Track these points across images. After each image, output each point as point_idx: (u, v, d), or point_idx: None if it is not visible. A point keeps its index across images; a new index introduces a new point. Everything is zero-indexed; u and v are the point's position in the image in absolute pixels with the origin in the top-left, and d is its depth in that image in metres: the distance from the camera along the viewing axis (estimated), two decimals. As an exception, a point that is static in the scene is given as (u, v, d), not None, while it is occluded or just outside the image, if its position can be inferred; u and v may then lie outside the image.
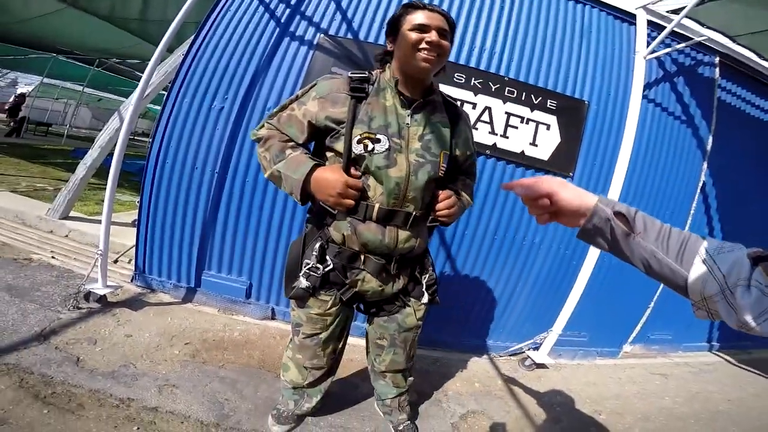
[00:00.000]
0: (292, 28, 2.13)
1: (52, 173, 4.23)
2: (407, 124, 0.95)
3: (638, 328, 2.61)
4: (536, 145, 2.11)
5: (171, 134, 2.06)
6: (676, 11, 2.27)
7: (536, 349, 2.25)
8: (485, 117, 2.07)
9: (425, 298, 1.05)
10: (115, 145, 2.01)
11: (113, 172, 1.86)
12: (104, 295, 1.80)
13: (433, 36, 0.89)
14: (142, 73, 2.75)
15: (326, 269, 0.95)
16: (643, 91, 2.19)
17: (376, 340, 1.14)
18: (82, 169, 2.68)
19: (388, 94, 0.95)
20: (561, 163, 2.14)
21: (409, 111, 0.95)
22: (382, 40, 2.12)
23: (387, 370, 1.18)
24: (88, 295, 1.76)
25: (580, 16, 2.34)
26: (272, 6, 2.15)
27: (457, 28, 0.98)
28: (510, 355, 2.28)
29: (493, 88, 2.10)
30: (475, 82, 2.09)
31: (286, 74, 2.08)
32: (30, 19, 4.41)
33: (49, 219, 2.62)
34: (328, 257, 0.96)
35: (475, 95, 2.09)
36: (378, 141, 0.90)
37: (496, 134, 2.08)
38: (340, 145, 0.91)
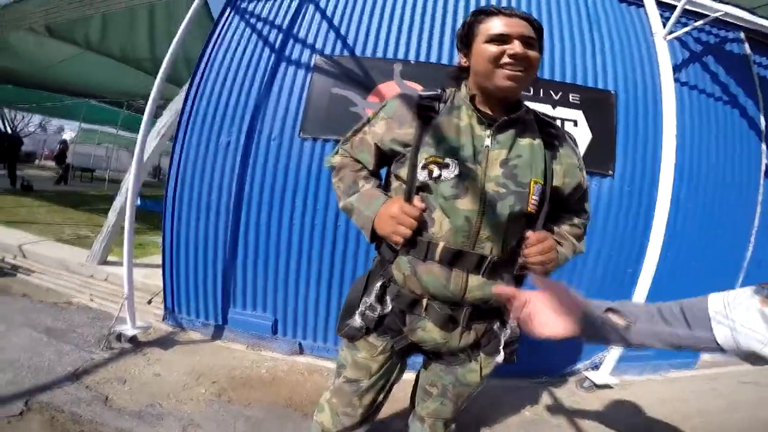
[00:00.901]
0: (287, 53, 2.00)
1: (96, 220, 4.21)
2: (486, 146, 0.74)
3: None
4: (565, 145, 1.83)
5: (184, 175, 1.99)
6: None
7: (595, 368, 1.91)
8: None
9: (500, 357, 0.82)
10: (132, 186, 1.89)
11: (128, 217, 1.82)
12: (135, 335, 1.80)
13: (516, 47, 0.68)
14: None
15: (384, 311, 0.79)
16: (673, 73, 1.90)
17: (426, 385, 0.92)
18: (112, 216, 2.67)
19: (463, 112, 0.76)
20: (597, 161, 1.85)
21: (489, 131, 0.74)
22: (380, 54, 1.95)
23: (428, 416, 0.96)
24: (119, 336, 1.78)
25: (584, 4, 2.13)
26: (265, 33, 2.05)
27: (540, 25, 0.74)
28: (566, 376, 1.94)
29: (507, 88, 1.85)
30: (486, 84, 1.86)
31: (287, 100, 1.94)
32: (53, 66, 4.52)
33: (89, 264, 2.64)
34: (387, 298, 0.79)
35: (488, 98, 1.85)
36: (446, 166, 0.71)
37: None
38: (404, 172, 0.75)
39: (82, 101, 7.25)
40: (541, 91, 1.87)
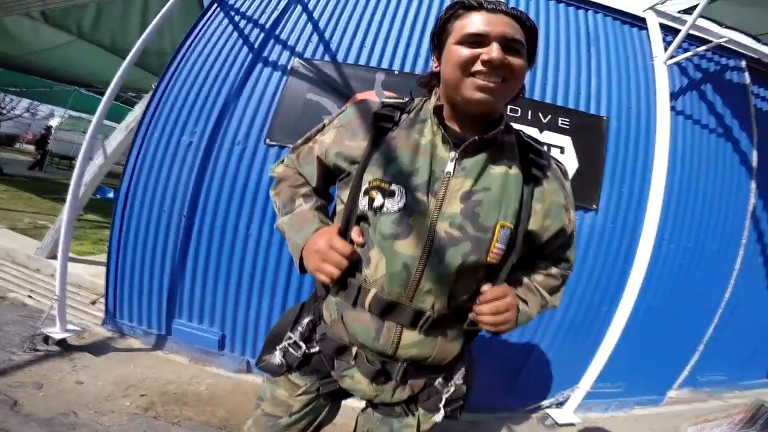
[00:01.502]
0: (265, 54, 1.86)
1: (60, 210, 4.09)
2: (447, 172, 0.58)
3: (686, 371, 2.10)
4: (549, 172, 1.70)
5: (140, 173, 1.83)
6: (687, 11, 1.94)
7: (559, 405, 1.81)
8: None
9: (439, 416, 0.67)
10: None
11: (67, 212, 1.66)
12: (64, 338, 1.65)
13: (492, 51, 0.53)
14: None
15: (310, 351, 0.67)
16: (670, 101, 1.79)
17: (364, 430, 0.77)
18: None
19: (427, 127, 0.61)
20: (581, 193, 1.71)
21: (454, 153, 0.58)
22: (363, 61, 1.80)
23: None
24: (47, 338, 1.63)
25: (584, 23, 2.01)
26: (247, 31, 1.90)
27: (533, 24, 0.58)
28: (528, 413, 1.84)
29: (494, 107, 1.72)
30: (472, 101, 1.72)
31: (257, 104, 1.79)
32: (42, 51, 4.34)
33: (37, 257, 2.45)
34: (316, 336, 0.67)
35: (473, 116, 1.72)
36: (391, 194, 0.56)
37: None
38: (346, 194, 0.61)
39: (70, 89, 6.96)
40: (530, 113, 1.73)
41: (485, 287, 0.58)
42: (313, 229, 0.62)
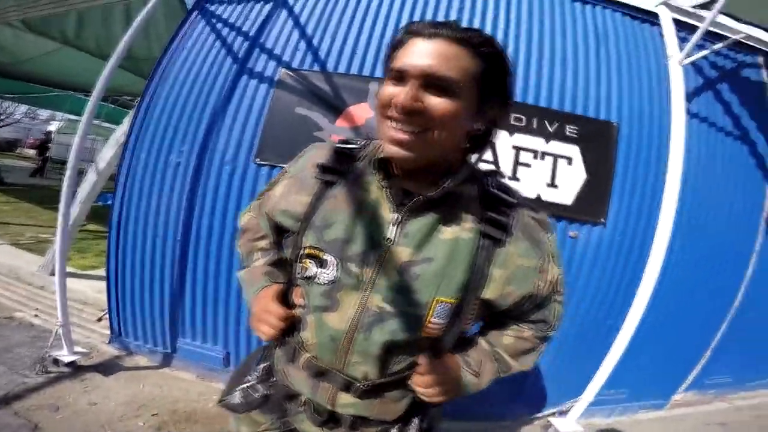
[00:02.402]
0: (250, 65, 1.72)
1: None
2: (387, 239, 0.50)
3: (692, 376, 2.03)
4: (556, 186, 1.57)
5: (130, 196, 1.75)
6: (702, 5, 1.75)
7: (562, 414, 1.76)
8: (487, 155, 1.55)
9: None
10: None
11: (60, 241, 1.62)
12: (74, 360, 1.65)
13: (401, 94, 0.43)
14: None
15: (268, 392, 0.65)
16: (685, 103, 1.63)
17: None
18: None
19: (373, 182, 0.53)
20: (589, 206, 1.59)
21: (397, 215, 0.50)
22: (355, 70, 1.66)
23: None
24: (56, 361, 1.63)
25: (592, 20, 1.83)
26: (230, 40, 1.76)
27: (501, 57, 0.47)
28: (531, 421, 1.81)
29: (496, 116, 1.58)
30: (473, 111, 1.58)
31: (245, 119, 1.66)
32: (31, 59, 4.30)
33: (41, 275, 2.43)
34: (273, 380, 0.66)
35: (474, 128, 1.57)
36: (324, 264, 0.51)
37: (504, 176, 1.54)
38: (287, 256, 0.60)
39: (66, 94, 6.90)
40: (535, 121, 1.59)
41: (421, 359, 0.52)
42: (258, 288, 0.61)
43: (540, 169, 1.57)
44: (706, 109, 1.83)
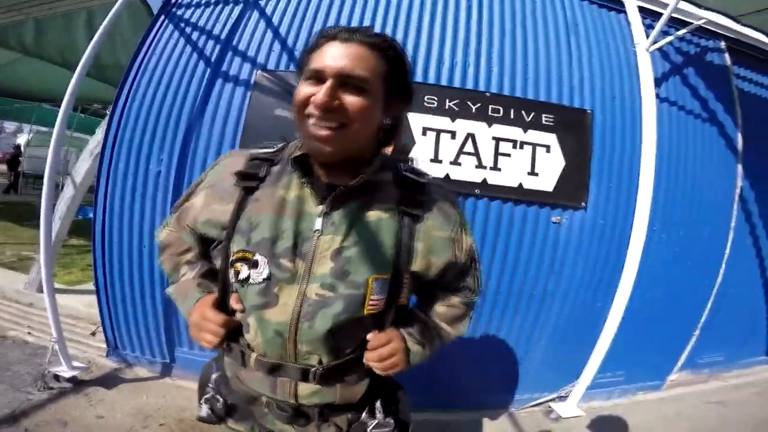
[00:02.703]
0: (224, 68, 1.68)
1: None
2: (315, 231, 0.53)
3: (684, 355, 2.08)
4: (536, 174, 1.58)
5: (112, 207, 1.68)
6: None
7: (562, 399, 1.79)
8: (469, 147, 1.56)
9: None
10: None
11: (44, 260, 1.57)
12: (74, 375, 1.63)
13: (320, 94, 0.47)
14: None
15: (229, 401, 0.65)
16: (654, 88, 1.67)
17: None
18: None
19: (294, 180, 0.56)
20: (569, 191, 1.61)
21: (322, 207, 0.54)
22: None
23: None
24: (57, 376, 1.61)
25: (561, 10, 1.87)
26: (201, 44, 1.71)
27: (403, 60, 0.52)
28: (533, 407, 1.82)
29: (474, 108, 1.59)
30: (450, 104, 1.58)
31: (223, 123, 1.62)
32: None
33: (28, 292, 2.36)
34: (231, 387, 0.66)
35: (453, 120, 1.58)
36: (255, 265, 0.53)
37: (485, 167, 1.55)
38: (218, 264, 0.60)
39: (32, 105, 6.61)
40: (512, 111, 1.60)
41: (370, 335, 0.56)
42: (193, 301, 0.61)
43: (520, 159, 1.58)
44: (675, 93, 1.89)
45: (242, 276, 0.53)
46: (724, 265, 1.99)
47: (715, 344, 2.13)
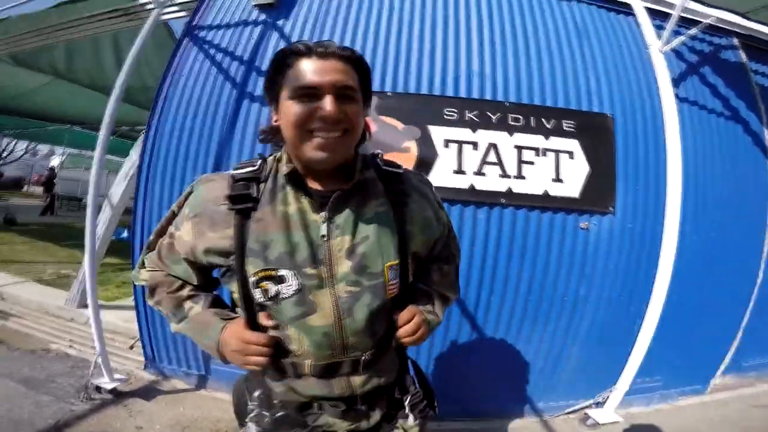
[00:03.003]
0: (250, 88, 1.74)
1: (78, 256, 4.06)
2: (324, 237, 0.56)
3: (728, 358, 2.00)
4: (561, 181, 1.58)
5: (150, 225, 1.74)
6: None
7: (599, 405, 1.73)
8: (491, 157, 1.56)
9: (410, 421, 0.71)
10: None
11: (89, 275, 1.62)
12: (115, 387, 1.69)
13: (327, 106, 0.50)
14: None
15: (277, 414, 0.65)
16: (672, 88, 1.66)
17: None
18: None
19: (289, 194, 0.58)
20: (596, 197, 1.60)
21: (324, 214, 0.56)
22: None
23: None
24: (98, 388, 1.67)
25: (570, 15, 1.88)
26: (225, 65, 1.77)
27: (365, 62, 0.56)
28: (568, 414, 1.76)
29: (494, 118, 1.60)
30: (470, 115, 1.60)
31: (252, 141, 1.68)
32: (25, 94, 4.26)
33: (68, 308, 2.45)
34: (276, 401, 0.66)
35: (474, 131, 1.59)
36: (281, 280, 0.55)
37: (509, 176, 1.56)
38: (236, 288, 0.59)
39: (64, 127, 6.89)
40: (532, 119, 1.61)
41: (396, 316, 0.61)
42: (218, 330, 0.60)
43: (543, 166, 1.58)
44: (694, 93, 1.87)
45: (272, 293, 0.55)
46: (763, 265, 1.92)
47: (761, 347, 2.04)
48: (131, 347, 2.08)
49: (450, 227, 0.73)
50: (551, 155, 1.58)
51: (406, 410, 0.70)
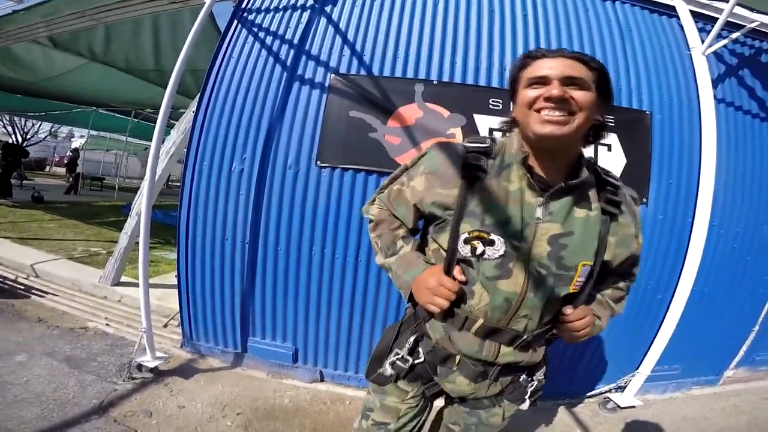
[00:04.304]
0: (300, 71, 1.76)
1: (106, 234, 4.07)
2: (537, 218, 0.63)
3: (742, 351, 2.06)
4: (600, 172, 1.59)
5: (197, 203, 1.79)
6: None
7: (619, 390, 1.80)
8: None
9: (525, 405, 0.78)
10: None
11: (143, 249, 1.59)
12: (156, 366, 1.68)
13: (552, 88, 0.57)
14: (176, 121, 2.46)
15: (415, 361, 0.74)
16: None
17: (449, 423, 0.87)
18: (124, 239, 2.44)
19: (513, 173, 0.65)
20: (631, 187, 1.60)
21: (541, 199, 0.63)
22: (399, 73, 1.70)
23: None
24: (140, 366, 1.67)
25: (614, 15, 1.89)
26: (275, 48, 1.80)
27: (605, 70, 0.61)
28: (589, 398, 1.84)
29: (537, 110, 1.60)
30: (515, 105, 1.60)
31: (302, 123, 1.71)
32: (57, 76, 4.23)
33: (102, 285, 2.47)
34: (420, 349, 0.75)
35: (517, 121, 1.60)
36: (491, 243, 0.62)
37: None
38: (444, 239, 0.67)
39: (89, 110, 6.85)
40: (573, 112, 1.61)
41: (568, 309, 0.65)
42: (420, 270, 0.68)
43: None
44: (731, 94, 1.88)
45: (479, 251, 0.62)
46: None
47: (774, 342, 2.09)
48: (165, 325, 2.09)
49: (639, 254, 0.74)
50: (590, 147, 1.59)
51: (527, 395, 0.76)
